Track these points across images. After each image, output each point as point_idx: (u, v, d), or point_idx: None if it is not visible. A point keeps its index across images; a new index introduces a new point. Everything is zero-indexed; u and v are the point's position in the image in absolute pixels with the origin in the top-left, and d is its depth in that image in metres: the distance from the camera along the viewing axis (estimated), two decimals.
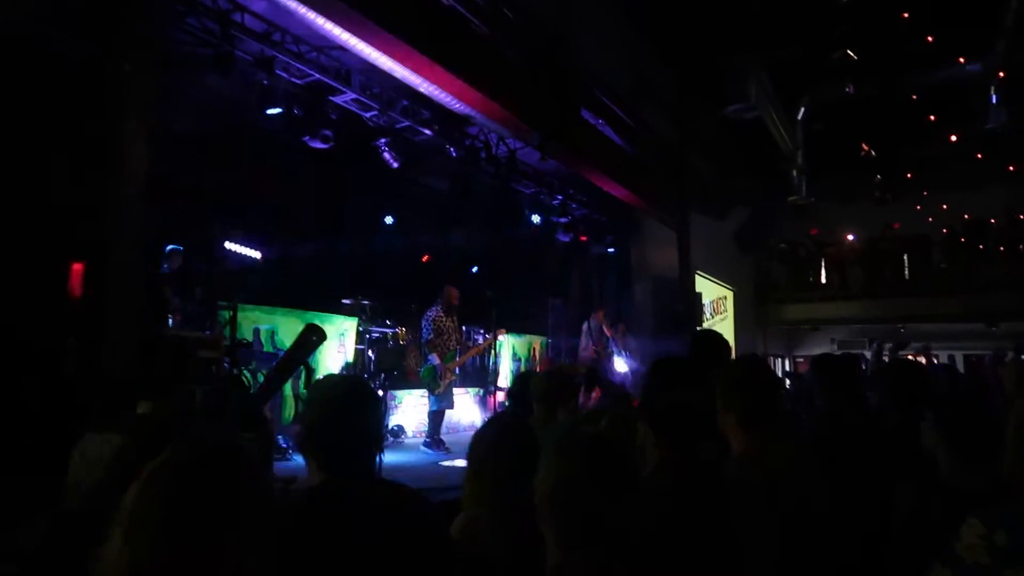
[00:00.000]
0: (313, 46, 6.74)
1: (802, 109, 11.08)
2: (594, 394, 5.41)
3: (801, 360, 16.91)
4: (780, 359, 17.10)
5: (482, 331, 9.40)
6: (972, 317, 14.09)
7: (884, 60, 9.88)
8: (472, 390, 9.64)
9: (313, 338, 3.78)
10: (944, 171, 13.39)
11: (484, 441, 1.75)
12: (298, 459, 1.88)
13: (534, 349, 11.76)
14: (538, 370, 9.47)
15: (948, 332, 15.37)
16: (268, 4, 5.80)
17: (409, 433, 8.17)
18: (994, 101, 9.74)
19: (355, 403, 1.80)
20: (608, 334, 10.32)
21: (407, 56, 5.68)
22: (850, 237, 15.36)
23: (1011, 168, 13.25)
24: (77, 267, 4.42)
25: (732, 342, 13.23)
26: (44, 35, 4.25)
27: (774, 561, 1.80)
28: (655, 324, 11.53)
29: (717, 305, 13.57)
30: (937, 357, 12.14)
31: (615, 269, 12.72)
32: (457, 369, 7.98)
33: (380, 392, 7.80)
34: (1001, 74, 9.60)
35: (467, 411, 9.29)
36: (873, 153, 12.12)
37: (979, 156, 12.74)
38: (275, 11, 6.04)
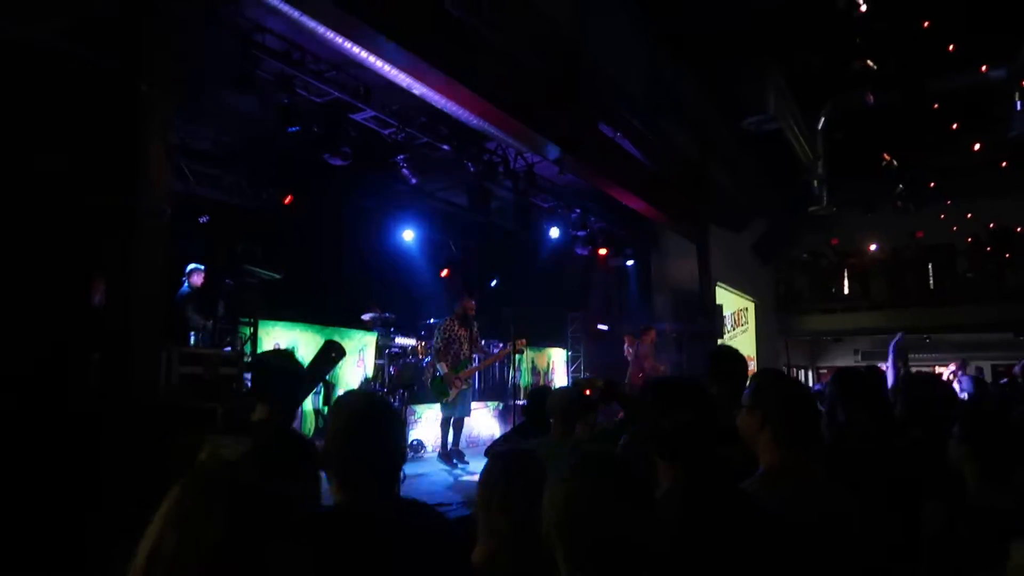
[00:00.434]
0: (332, 64, 6.80)
1: (822, 118, 10.99)
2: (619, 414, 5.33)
3: (824, 371, 16.72)
4: (803, 370, 16.92)
5: (500, 344, 9.39)
6: (1000, 327, 13.85)
7: (905, 68, 9.78)
8: (491, 404, 9.62)
9: (332, 354, 3.81)
10: (968, 179, 13.19)
11: (493, 478, 1.76)
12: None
13: (552, 362, 11.73)
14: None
15: (975, 342, 15.13)
16: (288, 24, 5.87)
17: (429, 448, 8.16)
18: (1018, 108, 9.60)
19: (376, 422, 1.80)
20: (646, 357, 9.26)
21: (424, 73, 5.71)
22: (872, 247, 15.19)
23: None
24: (99, 283, 4.49)
25: (753, 354, 13.17)
26: (71, 53, 4.33)
27: None
28: (675, 337, 11.45)
29: (738, 317, 13.45)
30: (964, 369, 11.91)
31: (634, 282, 12.68)
32: (476, 377, 7.97)
33: (399, 406, 7.83)
34: None
35: (486, 424, 9.27)
36: (895, 163, 11.97)
37: (1004, 164, 12.55)
38: (295, 30, 6.12)
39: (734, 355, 3.27)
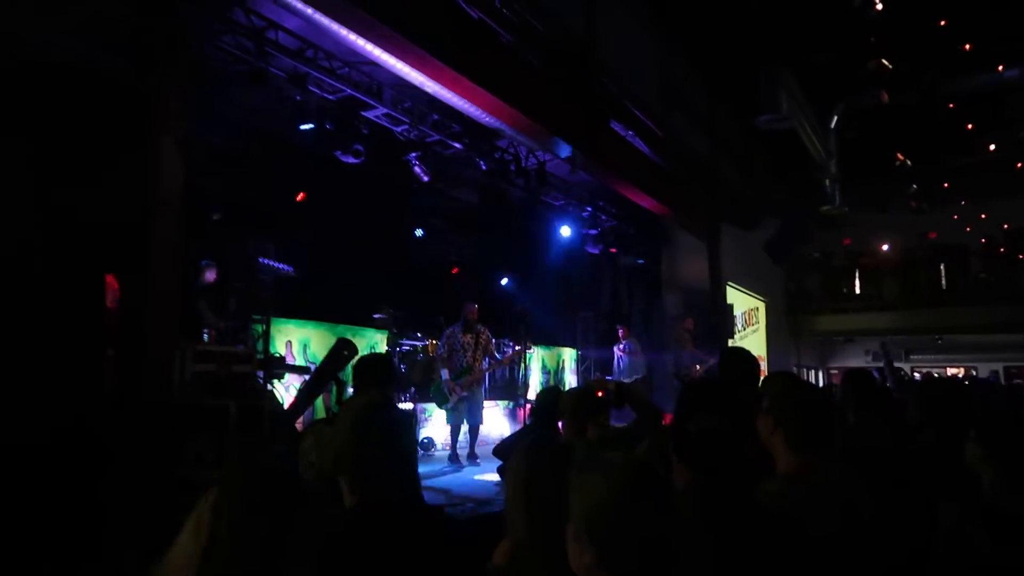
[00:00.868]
0: (345, 62, 6.82)
1: (835, 117, 10.93)
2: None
3: (835, 372, 16.64)
4: (814, 371, 16.84)
5: (511, 343, 9.39)
6: (1012, 328, 13.73)
7: (920, 67, 9.72)
8: (502, 403, 9.63)
9: (344, 352, 3.84)
10: (982, 180, 13.10)
11: (521, 468, 1.73)
12: None
13: (563, 362, 11.72)
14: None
15: (988, 344, 15.01)
16: (301, 21, 5.89)
17: (439, 445, 8.18)
18: None
19: (387, 425, 1.80)
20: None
21: (436, 70, 5.72)
22: (885, 247, 15.09)
23: None
24: (112, 280, 4.52)
25: (764, 354, 13.11)
26: (83, 52, 4.34)
27: None
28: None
29: (749, 316, 13.40)
30: (976, 370, 11.84)
31: (645, 281, 12.64)
32: (484, 379, 7.97)
33: (410, 405, 7.85)
34: None
35: (496, 424, 9.28)
36: (909, 163, 11.88)
37: (1019, 165, 12.46)
38: (308, 28, 6.14)
39: (745, 356, 3.27)
